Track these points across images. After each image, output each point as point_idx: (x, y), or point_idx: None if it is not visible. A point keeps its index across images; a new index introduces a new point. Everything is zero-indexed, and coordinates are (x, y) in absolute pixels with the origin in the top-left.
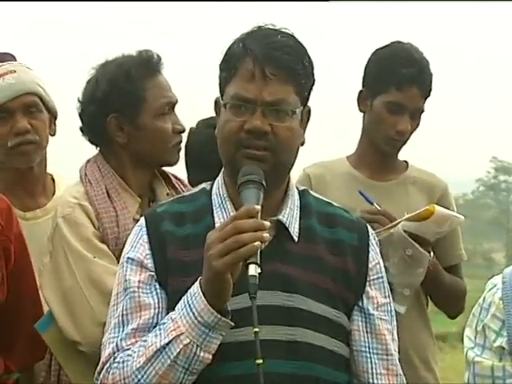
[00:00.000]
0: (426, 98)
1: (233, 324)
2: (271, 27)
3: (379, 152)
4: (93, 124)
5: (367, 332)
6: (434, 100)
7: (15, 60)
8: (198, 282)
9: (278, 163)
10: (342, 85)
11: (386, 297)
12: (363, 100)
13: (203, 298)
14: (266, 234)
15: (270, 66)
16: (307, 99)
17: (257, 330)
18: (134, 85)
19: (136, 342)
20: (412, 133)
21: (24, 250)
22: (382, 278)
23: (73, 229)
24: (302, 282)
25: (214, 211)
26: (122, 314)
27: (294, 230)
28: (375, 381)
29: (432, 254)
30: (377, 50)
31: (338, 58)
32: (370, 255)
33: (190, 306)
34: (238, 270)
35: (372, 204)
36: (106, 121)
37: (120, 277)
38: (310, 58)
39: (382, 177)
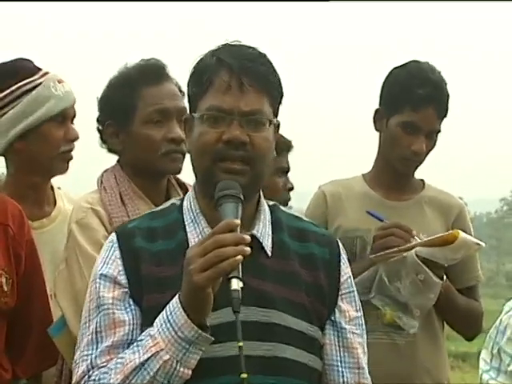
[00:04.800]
0: (442, 119)
1: (213, 339)
2: (239, 43)
3: (395, 172)
4: (99, 131)
5: (339, 346)
6: (459, 119)
7: (33, 64)
8: (176, 298)
9: (256, 176)
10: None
11: (357, 310)
12: (379, 119)
13: (183, 313)
14: (247, 248)
15: (246, 77)
16: (278, 112)
17: (241, 344)
18: (127, 93)
19: (111, 359)
20: (428, 153)
21: (35, 256)
22: (353, 291)
23: (84, 232)
24: (278, 297)
25: (187, 226)
26: (96, 332)
27: (268, 245)
28: None
29: (445, 277)
30: (393, 69)
31: (338, 57)
32: (341, 269)
33: (169, 321)
34: (217, 285)
35: (382, 221)
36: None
37: (92, 293)
38: (277, 72)
39: (397, 196)
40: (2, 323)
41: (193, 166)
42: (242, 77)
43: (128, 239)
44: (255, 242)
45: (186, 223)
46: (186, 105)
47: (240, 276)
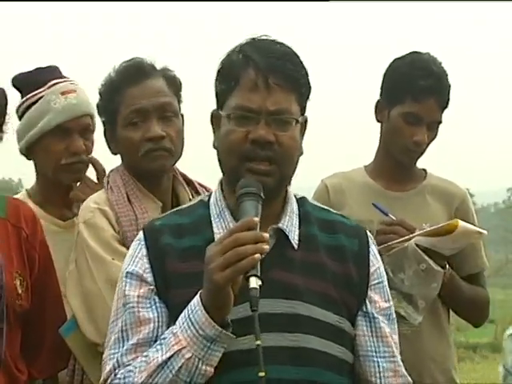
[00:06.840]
0: (443, 110)
1: (234, 336)
2: (267, 38)
3: (396, 162)
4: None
5: (373, 336)
6: (466, 110)
7: (60, 72)
8: (198, 296)
9: (283, 176)
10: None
11: (386, 301)
12: (380, 110)
13: (204, 311)
14: (265, 246)
15: (273, 76)
16: (305, 108)
17: (259, 342)
18: (111, 98)
19: (137, 357)
20: (429, 144)
21: (48, 257)
22: (383, 282)
23: (92, 232)
24: (304, 288)
25: (213, 222)
26: (122, 330)
27: (294, 238)
28: None
29: (448, 266)
30: (395, 60)
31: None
32: (370, 260)
33: (191, 319)
34: (238, 283)
35: (387, 215)
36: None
37: (119, 292)
38: (305, 67)
39: (399, 187)
40: (18, 325)
41: (219, 162)
42: (269, 75)
43: (155, 236)
44: (282, 235)
45: (212, 218)
46: (191, 97)
47: (258, 274)
